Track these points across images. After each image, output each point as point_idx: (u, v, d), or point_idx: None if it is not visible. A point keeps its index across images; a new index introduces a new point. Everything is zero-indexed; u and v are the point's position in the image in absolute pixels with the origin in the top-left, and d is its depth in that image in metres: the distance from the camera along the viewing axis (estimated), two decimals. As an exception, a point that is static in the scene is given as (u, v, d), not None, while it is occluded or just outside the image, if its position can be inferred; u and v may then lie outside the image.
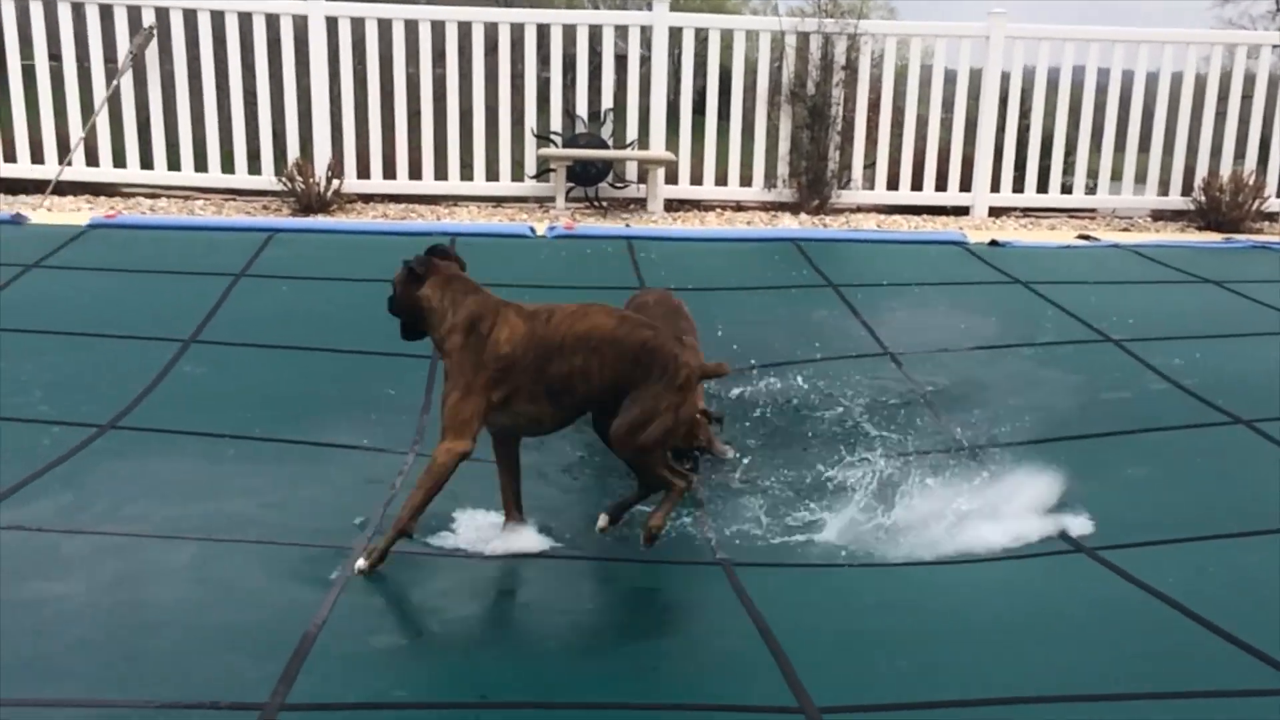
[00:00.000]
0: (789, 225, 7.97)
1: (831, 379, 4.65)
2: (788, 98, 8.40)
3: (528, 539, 3.24)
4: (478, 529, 3.29)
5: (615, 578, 3.19)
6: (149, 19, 7.96)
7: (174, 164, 8.19)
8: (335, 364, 4.78)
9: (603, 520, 3.30)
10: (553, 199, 8.31)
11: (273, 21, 8.10)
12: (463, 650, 2.71)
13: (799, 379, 4.62)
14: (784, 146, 8.46)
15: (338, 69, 8.20)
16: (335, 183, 7.99)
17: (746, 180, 8.62)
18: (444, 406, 3.12)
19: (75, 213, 7.34)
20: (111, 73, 7.95)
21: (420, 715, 2.35)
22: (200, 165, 8.21)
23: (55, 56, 8.06)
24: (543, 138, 8.39)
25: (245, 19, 8.06)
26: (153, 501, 3.43)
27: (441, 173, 8.35)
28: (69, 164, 7.96)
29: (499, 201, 8.51)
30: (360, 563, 2.99)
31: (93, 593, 2.82)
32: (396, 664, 2.58)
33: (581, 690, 2.48)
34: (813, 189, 8.38)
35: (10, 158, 8.07)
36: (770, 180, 8.53)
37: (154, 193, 8.35)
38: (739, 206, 8.71)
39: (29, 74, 8.02)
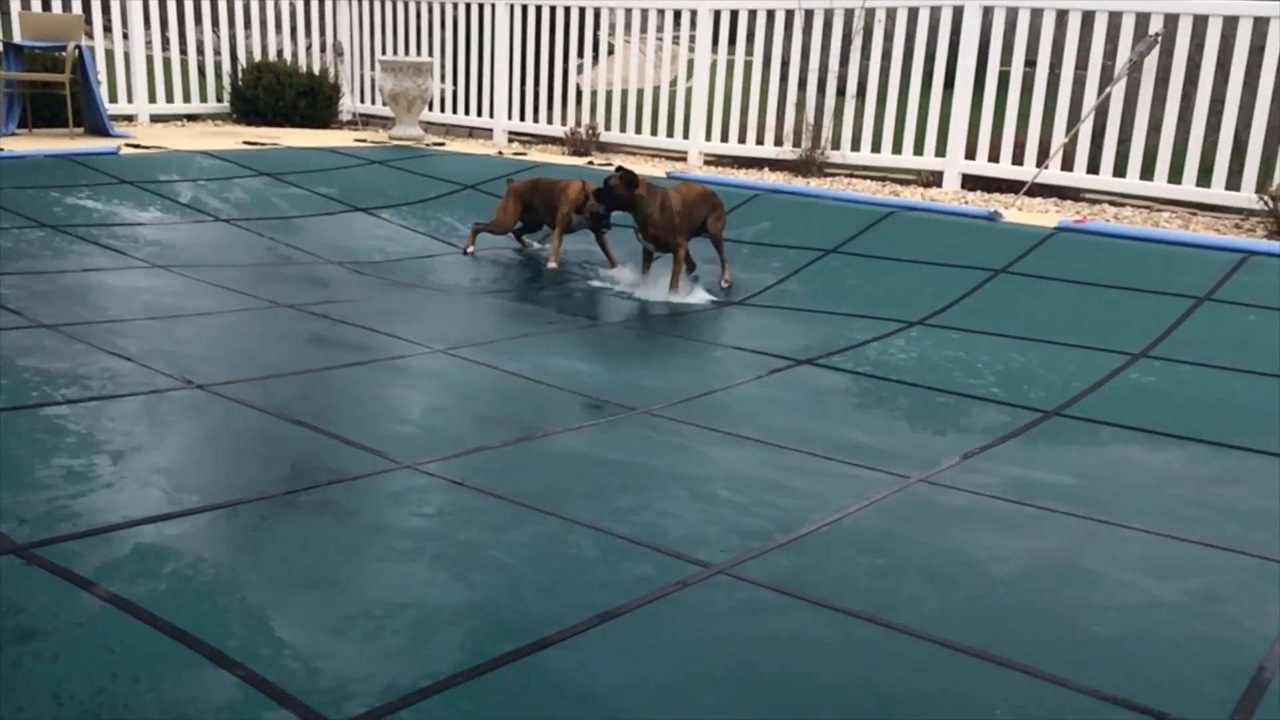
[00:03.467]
0: None
1: None
2: None
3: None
4: None
5: None
6: (1155, 26, 7.94)
7: (1147, 173, 8.10)
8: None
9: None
10: None
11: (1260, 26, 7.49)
12: None
13: None
14: None
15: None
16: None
17: None
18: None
19: (1043, 214, 7.74)
20: (1106, 79, 8.15)
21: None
22: (1174, 176, 7.98)
23: (1030, 62, 8.55)
24: None
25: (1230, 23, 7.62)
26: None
27: None
28: (1045, 167, 8.41)
29: None
30: None
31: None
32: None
33: None
34: None
35: (994, 158, 8.83)
36: None
37: (1118, 200, 8.38)
38: None
39: (1003, 80, 8.66)
